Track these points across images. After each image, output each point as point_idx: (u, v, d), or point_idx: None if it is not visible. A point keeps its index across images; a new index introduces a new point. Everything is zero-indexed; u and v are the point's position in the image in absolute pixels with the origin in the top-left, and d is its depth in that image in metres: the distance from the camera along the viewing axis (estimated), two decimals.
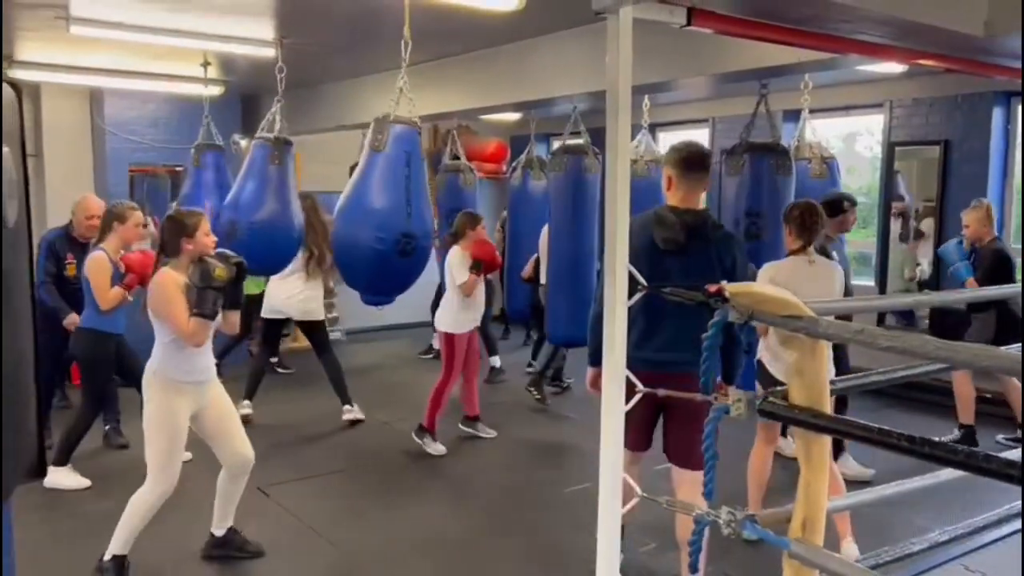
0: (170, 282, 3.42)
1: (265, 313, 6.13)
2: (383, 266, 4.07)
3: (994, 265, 5.21)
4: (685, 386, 2.58)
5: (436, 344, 8.35)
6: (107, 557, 3.50)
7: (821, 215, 3.94)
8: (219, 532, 3.84)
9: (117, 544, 3.49)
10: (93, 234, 4.89)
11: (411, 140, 4.12)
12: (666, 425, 3.39)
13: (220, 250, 3.59)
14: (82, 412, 4.73)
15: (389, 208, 4.01)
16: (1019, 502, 3.39)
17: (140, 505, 3.47)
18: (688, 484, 3.29)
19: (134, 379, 4.79)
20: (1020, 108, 6.40)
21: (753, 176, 4.63)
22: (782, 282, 3.59)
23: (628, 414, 2.64)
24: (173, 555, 3.85)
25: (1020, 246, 6.54)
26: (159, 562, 3.75)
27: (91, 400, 4.73)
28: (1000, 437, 5.53)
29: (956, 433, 5.48)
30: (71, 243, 5.26)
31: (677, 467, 3.39)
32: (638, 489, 2.57)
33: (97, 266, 4.51)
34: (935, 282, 6.77)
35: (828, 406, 2.04)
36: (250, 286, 5.05)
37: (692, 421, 3.00)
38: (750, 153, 4.64)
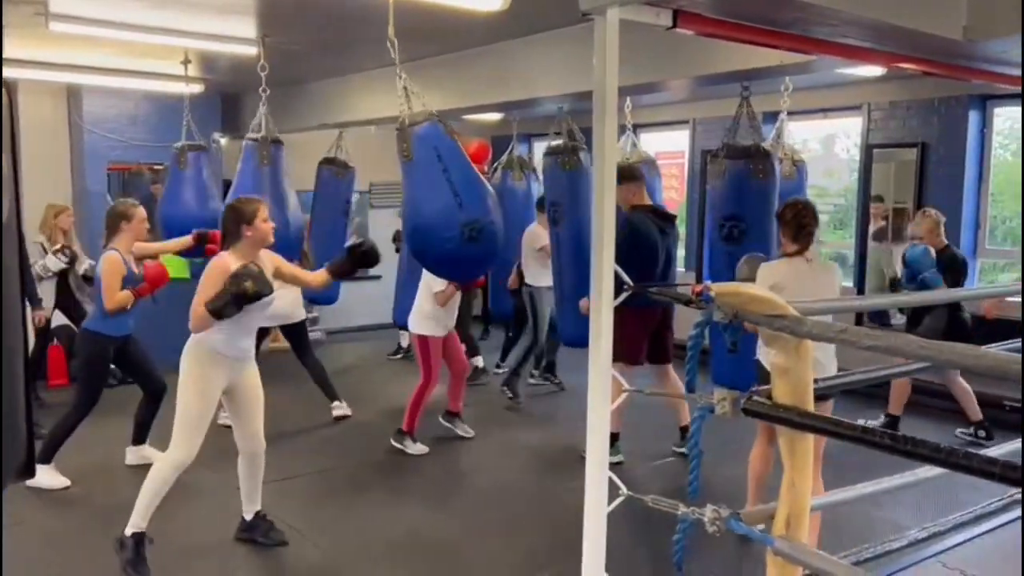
0: (220, 267, 3.49)
1: None
2: (460, 257, 4.05)
3: (952, 269, 5.48)
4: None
5: (404, 343, 8.35)
6: (127, 533, 3.55)
7: (815, 215, 3.81)
8: (247, 516, 3.97)
9: (136, 519, 3.56)
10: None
11: (435, 135, 4.02)
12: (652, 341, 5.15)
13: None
14: (72, 411, 4.68)
15: (442, 209, 3.95)
16: (995, 500, 3.45)
17: (157, 475, 3.56)
18: (668, 374, 5.27)
19: (146, 379, 4.80)
20: (1020, 111, 6.37)
21: (733, 181, 4.66)
22: (781, 283, 3.60)
23: (633, 336, 4.86)
24: (179, 546, 3.85)
25: (1020, 248, 6.64)
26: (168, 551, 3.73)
27: (83, 401, 4.67)
28: (959, 431, 5.65)
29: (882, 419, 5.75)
30: None
31: (660, 364, 5.24)
32: (622, 487, 2.59)
33: (111, 266, 4.48)
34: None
35: (812, 404, 2.07)
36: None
37: (668, 332, 5.25)
38: (730, 158, 4.68)
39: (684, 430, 5.19)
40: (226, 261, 3.52)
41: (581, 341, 6.11)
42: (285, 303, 5.93)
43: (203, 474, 3.90)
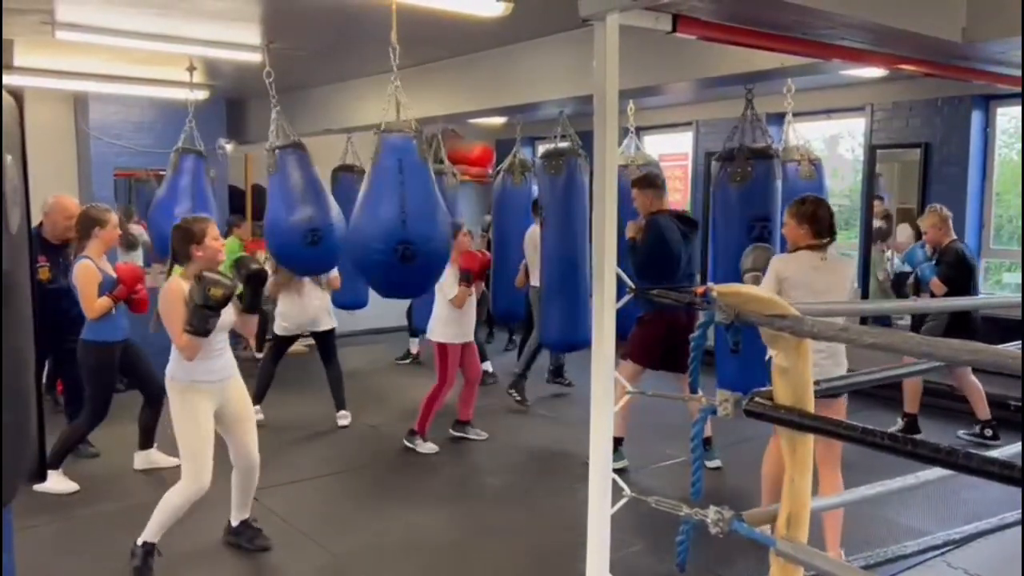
0: (176, 291, 3.46)
1: (283, 331, 6.05)
2: (388, 273, 4.19)
3: (956, 264, 5.46)
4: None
5: (413, 349, 8.38)
6: (139, 542, 3.59)
7: (831, 210, 3.77)
8: (235, 522, 4.00)
9: (149, 532, 3.60)
10: (71, 235, 4.84)
11: (403, 148, 4.15)
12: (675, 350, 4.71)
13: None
14: (84, 419, 4.70)
15: (385, 219, 4.10)
16: (1019, 510, 3.44)
17: (171, 502, 3.57)
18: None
19: (144, 383, 4.82)
20: (1020, 110, 6.36)
21: (759, 182, 4.66)
22: (792, 278, 3.55)
23: (655, 341, 4.86)
24: (186, 550, 3.84)
25: (1020, 247, 6.64)
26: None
27: (95, 408, 4.68)
28: (961, 432, 5.63)
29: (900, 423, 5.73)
30: (43, 245, 5.09)
31: (680, 372, 4.85)
32: (626, 489, 2.60)
33: (85, 275, 4.48)
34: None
35: (812, 405, 2.08)
36: None
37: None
38: (753, 159, 4.67)
39: (708, 441, 5.07)
40: (178, 285, 3.47)
41: (561, 344, 6.19)
42: (314, 310, 5.99)
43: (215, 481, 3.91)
